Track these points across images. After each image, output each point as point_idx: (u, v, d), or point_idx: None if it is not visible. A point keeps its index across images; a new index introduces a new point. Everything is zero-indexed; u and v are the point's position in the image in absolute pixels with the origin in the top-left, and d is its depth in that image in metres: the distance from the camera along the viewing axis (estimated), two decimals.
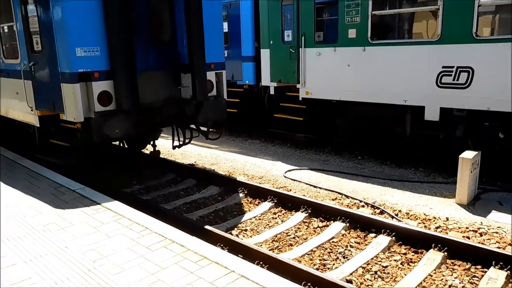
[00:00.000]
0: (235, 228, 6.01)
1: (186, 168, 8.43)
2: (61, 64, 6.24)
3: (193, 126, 7.99)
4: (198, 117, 7.47)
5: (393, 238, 5.40)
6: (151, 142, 8.46)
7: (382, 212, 6.22)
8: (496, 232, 5.40)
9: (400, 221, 5.84)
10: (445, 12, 7.44)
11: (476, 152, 6.53)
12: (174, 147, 8.35)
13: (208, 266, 3.87)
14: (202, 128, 8.12)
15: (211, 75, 7.69)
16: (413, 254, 5.14)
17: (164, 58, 7.52)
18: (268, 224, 6.13)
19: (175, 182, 8.04)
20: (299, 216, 6.25)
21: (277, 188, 7.31)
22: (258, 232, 5.91)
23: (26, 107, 7.32)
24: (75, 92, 6.16)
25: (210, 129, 8.33)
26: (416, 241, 5.27)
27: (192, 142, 8.47)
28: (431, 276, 4.65)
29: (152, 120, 6.97)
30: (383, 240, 5.39)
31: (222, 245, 5.13)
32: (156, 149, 8.53)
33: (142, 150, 9.47)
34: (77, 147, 7.08)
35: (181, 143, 8.27)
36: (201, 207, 6.77)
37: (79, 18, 6.06)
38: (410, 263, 4.96)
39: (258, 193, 7.03)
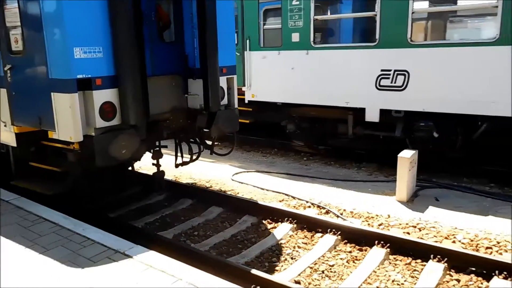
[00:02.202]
0: (183, 234, 5.90)
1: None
2: (52, 69, 4.90)
3: (192, 140, 6.84)
4: (211, 130, 6.30)
5: (339, 237, 5.53)
6: (155, 162, 6.65)
7: (327, 212, 6.37)
8: (434, 227, 5.69)
9: (344, 220, 6.00)
10: (382, 18, 7.76)
11: (413, 151, 6.85)
12: (177, 165, 6.93)
13: (155, 276, 3.76)
14: (207, 141, 6.91)
15: (222, 81, 6.47)
16: (358, 251, 5.30)
17: (169, 61, 6.30)
18: (216, 229, 6.08)
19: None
20: (248, 219, 6.25)
21: (224, 191, 7.28)
22: (206, 236, 5.84)
23: None
24: (73, 105, 4.80)
25: (217, 142, 7.27)
26: (360, 239, 5.44)
27: None
28: (375, 272, 4.81)
29: (158, 135, 6.01)
30: (329, 239, 5.51)
31: (169, 252, 5.01)
32: (161, 169, 6.78)
33: (139, 170, 8.00)
34: (71, 172, 5.69)
35: (184, 160, 6.94)
36: (146, 214, 6.58)
37: (78, 10, 4.76)
38: (356, 261, 5.10)
39: (206, 198, 6.96)
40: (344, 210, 6.40)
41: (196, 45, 6.26)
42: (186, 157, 6.89)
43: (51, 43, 4.85)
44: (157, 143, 6.46)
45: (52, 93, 4.95)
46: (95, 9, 4.90)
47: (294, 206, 6.65)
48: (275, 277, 4.59)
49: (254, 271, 4.63)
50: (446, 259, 4.79)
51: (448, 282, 4.58)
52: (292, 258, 5.20)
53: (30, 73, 5.28)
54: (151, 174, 6.84)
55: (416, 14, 7.89)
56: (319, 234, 5.70)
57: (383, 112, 8.08)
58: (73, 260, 4.06)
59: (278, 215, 6.14)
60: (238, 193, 7.31)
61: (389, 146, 8.65)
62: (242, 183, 7.82)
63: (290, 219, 5.99)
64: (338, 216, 6.17)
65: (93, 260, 4.03)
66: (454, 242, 5.30)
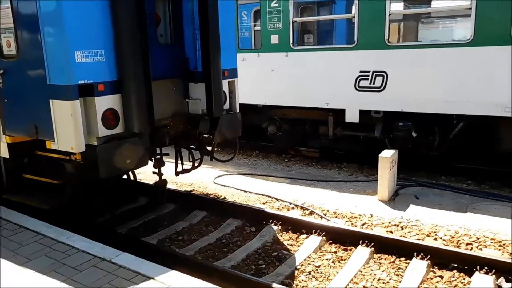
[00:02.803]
0: (167, 239, 5.84)
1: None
2: (51, 74, 4.57)
3: (192, 146, 6.55)
4: (214, 135, 6.02)
5: (324, 237, 5.59)
6: (157, 170, 6.17)
7: (311, 213, 6.41)
8: (415, 225, 5.80)
9: (328, 220, 6.06)
10: (360, 20, 7.88)
11: (393, 151, 6.98)
12: (177, 173, 6.60)
13: (143, 283, 3.72)
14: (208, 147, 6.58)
15: (224, 85, 6.16)
16: (343, 251, 5.36)
17: (169, 64, 6.00)
18: (201, 233, 6.04)
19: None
20: (232, 222, 6.24)
21: (207, 195, 7.25)
22: (191, 241, 5.80)
23: None
24: (74, 112, 4.48)
25: (216, 148, 6.95)
26: (345, 239, 5.50)
27: None
28: (361, 271, 4.88)
29: (160, 143, 5.70)
30: (314, 240, 5.55)
31: (155, 258, 4.95)
32: (163, 178, 6.28)
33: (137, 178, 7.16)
34: (69, 184, 5.34)
35: (185, 167, 6.63)
36: (129, 219, 6.48)
37: (79, 10, 4.44)
38: (341, 261, 5.16)
39: (189, 202, 6.91)
40: (328, 210, 6.46)
41: (198, 47, 6.00)
42: (186, 164, 6.67)
43: (50, 46, 4.52)
44: (158, 151, 6.17)
45: (50, 100, 4.62)
46: (96, 9, 4.61)
47: (278, 208, 6.68)
48: (262, 280, 4.60)
49: (241, 274, 4.65)
50: (429, 256, 4.90)
51: (432, 279, 4.68)
52: (278, 260, 5.22)
53: (25, 79, 4.93)
54: (153, 183, 6.52)
55: (393, 16, 8.05)
56: (304, 235, 5.74)
57: (363, 113, 8.20)
58: (57, 269, 3.97)
59: (263, 217, 6.15)
60: (221, 196, 7.28)
61: (368, 146, 8.78)
62: (224, 186, 7.80)
63: (275, 221, 6.01)
64: (322, 217, 6.22)
65: (79, 269, 3.95)
66: (435, 239, 5.42)
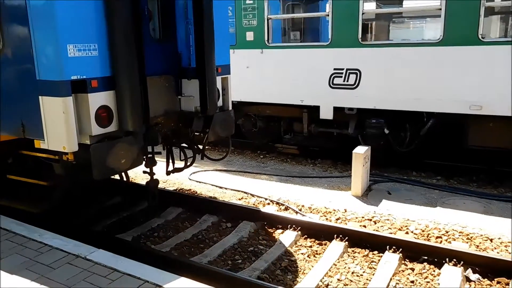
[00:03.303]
0: (143, 236, 5.79)
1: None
2: (41, 69, 4.27)
3: (184, 144, 6.33)
4: (208, 134, 5.83)
5: (299, 232, 5.66)
6: (149, 170, 5.89)
7: (286, 208, 6.48)
8: (388, 219, 5.95)
9: (304, 216, 6.14)
10: (334, 18, 7.99)
11: (367, 147, 7.12)
12: (168, 173, 6.40)
13: (120, 279, 3.69)
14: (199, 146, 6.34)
15: (217, 81, 5.96)
16: (318, 246, 5.45)
17: (162, 60, 5.75)
18: (177, 229, 6.02)
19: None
20: (208, 218, 6.25)
21: (183, 191, 7.22)
22: (167, 237, 5.77)
23: None
24: (67, 110, 4.22)
25: (208, 147, 6.74)
26: (320, 234, 5.59)
27: None
28: (336, 265, 4.97)
29: (153, 141, 5.46)
30: (290, 235, 5.62)
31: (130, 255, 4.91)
32: (154, 177, 5.96)
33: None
34: (59, 186, 5.08)
35: (176, 167, 6.41)
36: (105, 217, 6.39)
37: (71, 1, 4.18)
38: (316, 255, 5.25)
39: (164, 198, 6.85)
40: (303, 206, 6.54)
41: (192, 43, 5.79)
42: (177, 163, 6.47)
43: (40, 39, 4.21)
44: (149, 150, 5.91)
45: (40, 97, 4.32)
46: (90, 0, 4.34)
47: (254, 204, 6.72)
48: (238, 275, 4.63)
49: (217, 269, 4.67)
50: (401, 249, 5.04)
51: (403, 271, 4.82)
52: (254, 255, 5.26)
53: (11, 74, 4.61)
54: (144, 183, 6.19)
55: (366, 15, 8.20)
56: (280, 230, 5.81)
57: (337, 110, 8.33)
58: (29, 267, 3.89)
59: (239, 213, 6.18)
60: (196, 192, 7.27)
61: (342, 143, 8.93)
62: (200, 182, 7.78)
63: (251, 216, 6.05)
64: (297, 212, 6.30)
65: (52, 267, 3.88)
66: (407, 233, 5.58)
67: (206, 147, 6.10)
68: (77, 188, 5.38)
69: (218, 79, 5.99)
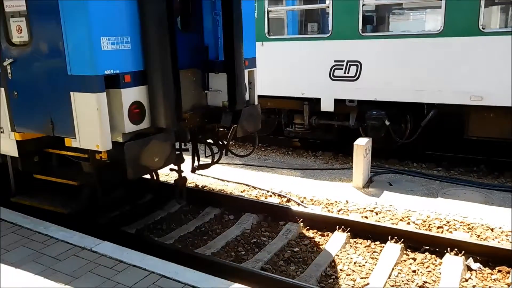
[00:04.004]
0: (147, 229, 5.84)
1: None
2: (73, 63, 4.08)
3: (209, 140, 6.14)
4: (236, 130, 5.61)
5: (301, 224, 5.71)
6: (176, 167, 5.72)
7: (288, 200, 6.52)
8: (389, 210, 6.00)
9: (306, 207, 6.19)
10: (334, 10, 7.99)
11: (368, 139, 7.15)
12: (194, 170, 6.21)
13: (126, 270, 3.74)
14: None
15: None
16: (320, 237, 5.50)
17: (189, 52, 5.49)
18: (180, 222, 6.06)
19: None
20: (211, 211, 6.29)
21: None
22: (170, 230, 5.82)
23: None
24: (100, 106, 4.05)
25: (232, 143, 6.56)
26: (322, 225, 5.64)
27: None
28: (338, 256, 5.03)
29: (182, 138, 5.33)
30: (292, 227, 5.67)
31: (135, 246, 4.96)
32: (182, 175, 5.80)
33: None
34: (87, 185, 4.93)
35: (200, 163, 6.21)
36: (107, 210, 6.42)
37: None
38: (319, 246, 5.30)
39: (167, 191, 6.89)
40: (305, 198, 6.58)
41: (220, 35, 5.53)
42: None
43: (71, 32, 4.00)
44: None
45: (71, 93, 4.15)
46: None
47: (256, 196, 6.76)
48: (242, 266, 4.69)
49: (221, 260, 4.73)
50: (402, 239, 5.09)
51: (405, 261, 4.88)
52: (257, 247, 5.31)
53: (40, 69, 4.42)
54: (172, 181, 6.02)
55: (366, 6, 8.19)
56: (282, 222, 5.85)
57: (338, 102, 8.35)
58: (36, 259, 3.94)
59: (241, 205, 6.22)
60: (199, 185, 7.31)
61: (342, 135, 8.96)
62: (202, 175, 7.81)
63: (253, 208, 6.09)
64: (299, 204, 6.34)
65: (59, 259, 3.93)
66: (408, 223, 5.62)
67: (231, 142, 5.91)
68: (107, 187, 5.18)
69: (245, 73, 5.73)
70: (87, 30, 3.91)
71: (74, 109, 4.19)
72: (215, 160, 6.16)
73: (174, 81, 4.57)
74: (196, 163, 6.20)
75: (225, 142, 5.99)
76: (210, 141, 6.13)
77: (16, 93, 4.69)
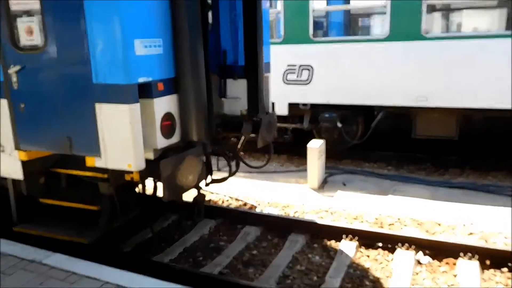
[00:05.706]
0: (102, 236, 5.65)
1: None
2: (99, 70, 3.53)
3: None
4: (257, 139, 5.09)
5: (259, 227, 5.74)
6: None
7: (245, 204, 6.55)
8: (344, 209, 6.16)
9: (263, 210, 6.23)
10: (285, 16, 8.14)
11: (321, 142, 7.31)
12: (208, 184, 5.38)
13: (79, 282, 3.61)
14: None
15: None
16: (278, 239, 5.55)
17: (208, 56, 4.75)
18: (136, 228, 5.93)
19: None
20: (169, 216, 6.20)
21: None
22: (126, 237, 5.68)
23: None
24: (133, 120, 3.53)
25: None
26: (279, 227, 5.69)
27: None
28: (296, 257, 5.09)
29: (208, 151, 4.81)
30: (251, 230, 5.69)
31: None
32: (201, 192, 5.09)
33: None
34: (106, 209, 4.41)
35: (218, 177, 5.60)
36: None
37: None
38: (277, 248, 5.35)
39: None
40: (262, 201, 6.63)
41: (240, 38, 5.08)
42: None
43: (99, 34, 3.46)
44: None
45: (97, 104, 3.61)
46: None
47: (213, 201, 6.73)
48: (200, 271, 4.65)
49: (179, 266, 4.67)
50: (357, 237, 5.24)
51: (360, 258, 5.02)
52: (216, 251, 5.29)
53: (54, 77, 3.82)
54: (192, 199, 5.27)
55: (316, 12, 8.40)
56: (240, 226, 5.86)
57: (291, 105, 8.48)
58: None
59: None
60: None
61: (296, 137, 9.11)
62: (156, 180, 7.68)
63: (211, 213, 6.06)
64: (255, 208, 6.38)
65: (6, 273, 3.74)
66: (362, 222, 5.79)
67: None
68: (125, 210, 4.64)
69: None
70: (120, 32, 3.40)
71: (100, 122, 3.65)
72: (232, 172, 5.64)
73: (207, 88, 4.17)
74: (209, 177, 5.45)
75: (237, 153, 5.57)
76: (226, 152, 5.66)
77: (23, 105, 4.05)
